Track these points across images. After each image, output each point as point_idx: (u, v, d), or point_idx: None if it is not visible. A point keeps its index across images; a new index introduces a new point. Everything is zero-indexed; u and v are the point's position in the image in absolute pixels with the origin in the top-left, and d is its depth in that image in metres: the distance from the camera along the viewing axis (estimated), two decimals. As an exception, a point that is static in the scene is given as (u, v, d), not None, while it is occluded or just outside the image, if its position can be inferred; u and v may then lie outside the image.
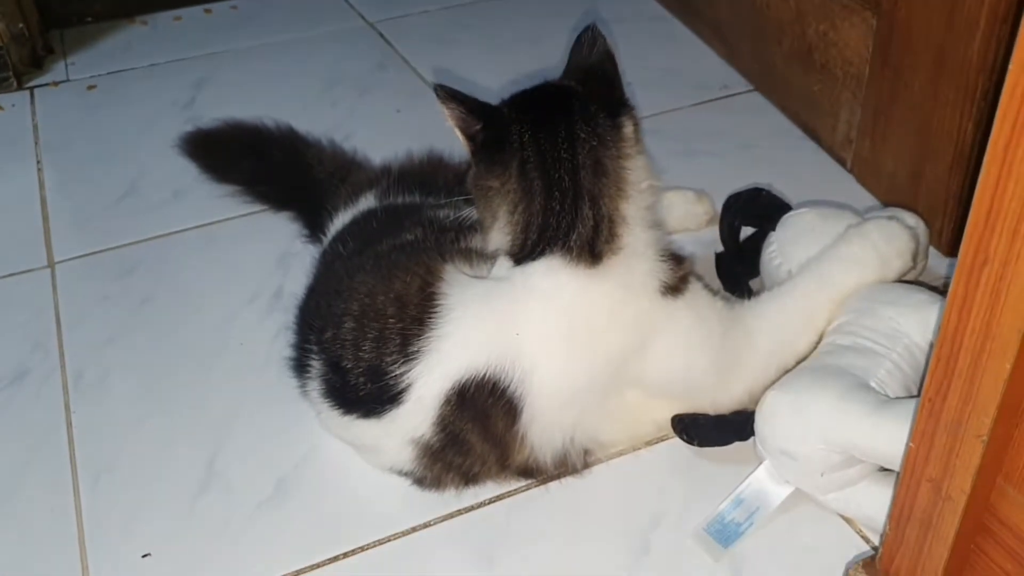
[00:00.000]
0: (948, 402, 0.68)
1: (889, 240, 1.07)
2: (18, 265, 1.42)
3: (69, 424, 1.16)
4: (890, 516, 0.78)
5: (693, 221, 1.40)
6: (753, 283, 1.24)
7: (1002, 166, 0.59)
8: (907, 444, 0.74)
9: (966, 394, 0.66)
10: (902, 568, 0.78)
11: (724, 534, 0.96)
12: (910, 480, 0.74)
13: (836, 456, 0.92)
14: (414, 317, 0.96)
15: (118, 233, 1.47)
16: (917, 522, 0.75)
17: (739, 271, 1.24)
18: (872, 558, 0.82)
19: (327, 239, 1.24)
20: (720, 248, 1.29)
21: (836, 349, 1.01)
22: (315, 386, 1.05)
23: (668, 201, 1.38)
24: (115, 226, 1.49)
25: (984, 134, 0.59)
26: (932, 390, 0.69)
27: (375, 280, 1.01)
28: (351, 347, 0.99)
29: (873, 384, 0.94)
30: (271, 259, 1.39)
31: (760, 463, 0.99)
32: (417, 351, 0.95)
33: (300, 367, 1.10)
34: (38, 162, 1.64)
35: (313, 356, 1.05)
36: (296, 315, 1.17)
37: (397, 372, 0.95)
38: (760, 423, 0.97)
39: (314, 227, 1.35)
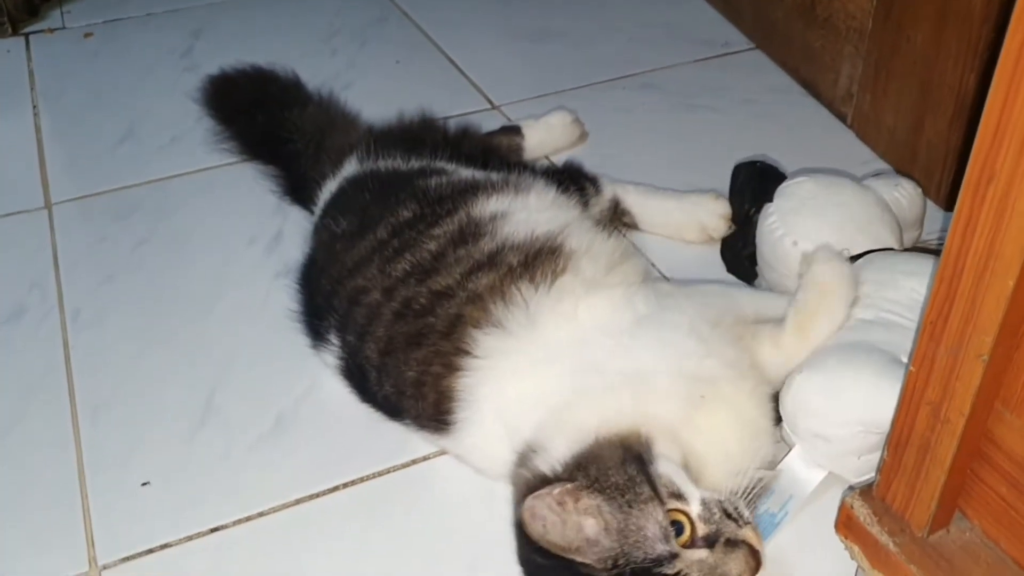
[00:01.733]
0: (950, 324, 0.69)
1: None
2: (14, 206, 1.42)
3: (67, 360, 1.16)
4: (888, 442, 0.79)
5: (567, 139, 1.44)
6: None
7: (1011, 81, 0.59)
8: (906, 368, 0.74)
9: (967, 314, 0.67)
10: (899, 494, 0.79)
11: (760, 527, 0.90)
12: (909, 404, 0.75)
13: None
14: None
15: (116, 177, 1.46)
16: (915, 447, 0.76)
17: (739, 247, 1.23)
18: (869, 487, 0.83)
19: (318, 210, 1.23)
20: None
21: (860, 324, 0.98)
22: (332, 361, 1.07)
23: (548, 124, 1.42)
24: (113, 170, 1.48)
25: (987, 86, 0.59)
26: (934, 313, 0.70)
27: (385, 295, 1.02)
28: (373, 358, 1.00)
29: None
30: (270, 203, 1.39)
31: (789, 449, 0.96)
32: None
33: (315, 334, 1.10)
34: (34, 107, 1.63)
35: (332, 337, 1.06)
36: (300, 281, 1.17)
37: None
38: (789, 406, 0.94)
39: (295, 191, 1.35)
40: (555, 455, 0.86)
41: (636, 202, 1.30)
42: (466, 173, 1.16)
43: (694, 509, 0.82)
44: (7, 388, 1.13)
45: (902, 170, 1.39)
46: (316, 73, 1.60)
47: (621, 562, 0.78)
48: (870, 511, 0.81)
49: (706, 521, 0.82)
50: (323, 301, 1.08)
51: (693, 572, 0.78)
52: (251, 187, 1.42)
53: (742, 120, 1.54)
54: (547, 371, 0.93)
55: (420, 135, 1.27)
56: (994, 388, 0.70)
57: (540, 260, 1.00)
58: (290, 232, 1.33)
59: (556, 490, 0.80)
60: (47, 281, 1.28)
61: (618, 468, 0.83)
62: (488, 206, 1.08)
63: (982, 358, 0.67)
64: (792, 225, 1.10)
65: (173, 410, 1.09)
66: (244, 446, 1.05)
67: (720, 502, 0.83)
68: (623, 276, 1.04)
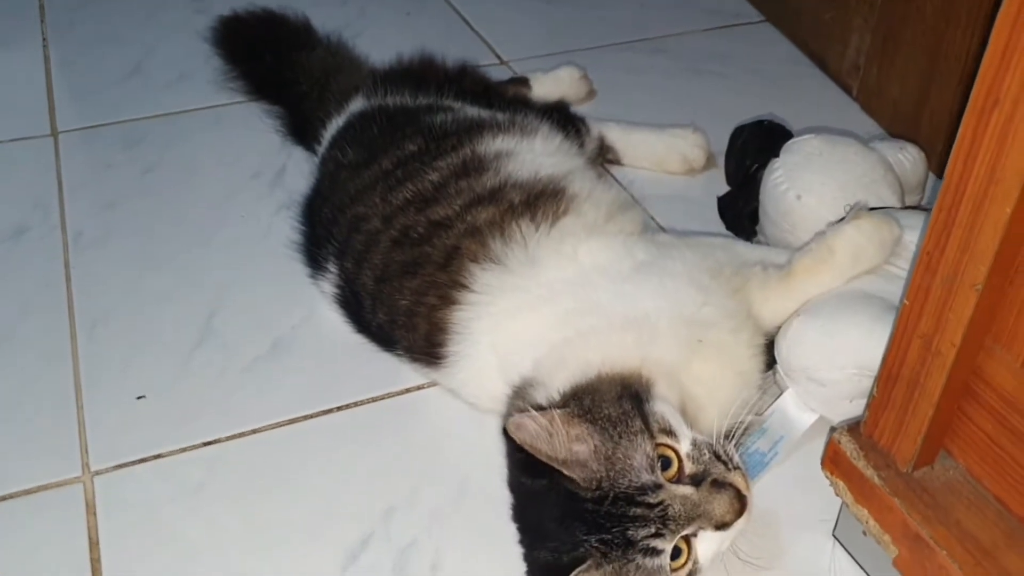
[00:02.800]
0: (946, 254, 0.70)
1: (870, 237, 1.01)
2: (21, 132, 1.42)
3: (68, 278, 1.17)
4: (877, 379, 0.80)
5: (575, 94, 1.45)
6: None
7: (1021, 5, 0.60)
8: (901, 302, 0.75)
9: (964, 243, 0.68)
10: (886, 430, 0.80)
11: (750, 465, 0.94)
12: (901, 338, 0.76)
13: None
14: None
15: (123, 109, 1.47)
16: (905, 382, 0.77)
17: (740, 205, 1.24)
18: (857, 424, 0.84)
19: (324, 144, 1.24)
20: (720, 190, 1.29)
21: (860, 275, 1.00)
22: (330, 289, 1.08)
23: (557, 77, 1.43)
24: (120, 103, 1.48)
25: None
26: (931, 244, 0.71)
27: (384, 222, 1.02)
28: (368, 285, 1.01)
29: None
30: (275, 141, 1.39)
31: (782, 392, 0.98)
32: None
33: (313, 263, 1.11)
34: (44, 40, 1.63)
35: (331, 265, 1.07)
36: (303, 210, 1.18)
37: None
38: (785, 350, 0.96)
39: (299, 132, 1.36)
40: (553, 388, 0.87)
41: (619, 137, 1.33)
42: (472, 112, 1.17)
43: (683, 447, 0.83)
44: (7, 300, 1.13)
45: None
46: (327, 21, 1.59)
47: (605, 486, 0.79)
48: (857, 447, 0.82)
49: (694, 460, 0.83)
50: (324, 229, 1.09)
51: (676, 505, 0.79)
52: (257, 125, 1.42)
53: (748, 88, 1.55)
54: (548, 309, 0.94)
55: (423, 73, 1.28)
56: (986, 321, 0.71)
57: (542, 200, 1.01)
58: (293, 169, 1.33)
59: (549, 413, 0.81)
60: (50, 203, 1.28)
61: (613, 402, 0.84)
62: (494, 144, 1.09)
63: (976, 288, 0.68)
64: (797, 180, 1.11)
65: (171, 330, 1.10)
66: (240, 367, 1.06)
67: (711, 445, 0.84)
68: (623, 225, 1.05)
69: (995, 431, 0.75)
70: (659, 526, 0.78)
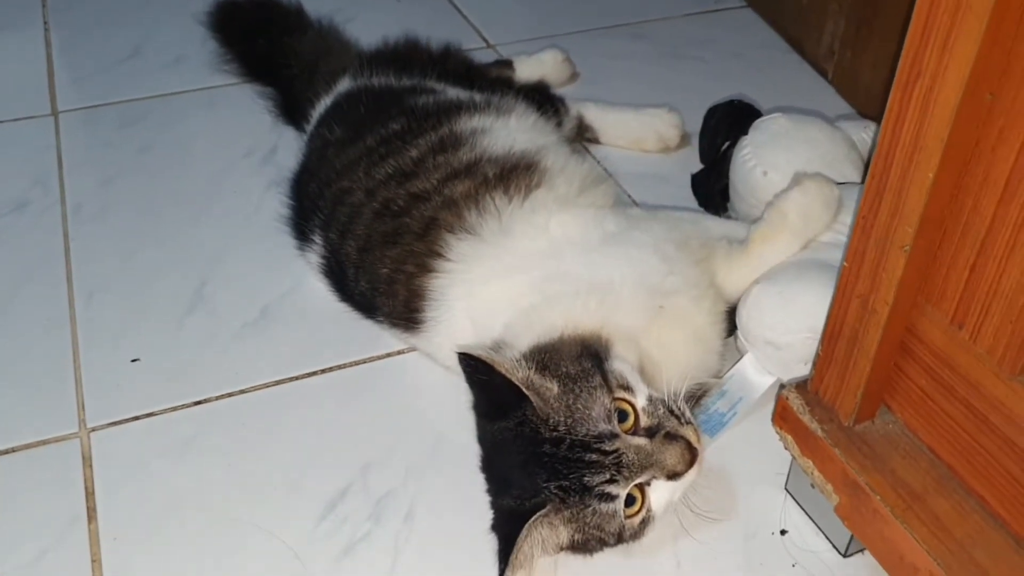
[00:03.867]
0: (879, 218, 0.75)
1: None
2: (22, 112, 1.47)
3: (67, 249, 1.22)
4: (823, 337, 0.85)
5: (558, 77, 1.50)
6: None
7: (938, -16, 0.65)
8: (840, 264, 0.80)
9: (894, 207, 0.73)
10: (829, 386, 0.86)
11: (709, 424, 1.00)
12: (841, 298, 0.81)
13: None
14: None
15: (121, 90, 1.52)
16: (845, 339, 0.82)
17: (712, 182, 1.29)
18: (804, 381, 0.89)
19: (312, 122, 1.29)
20: (693, 169, 1.34)
21: (818, 245, 1.05)
22: (315, 260, 1.13)
23: (540, 60, 1.48)
24: (118, 84, 1.54)
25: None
26: (865, 208, 0.76)
27: (367, 195, 1.08)
28: (352, 255, 1.07)
29: None
30: (267, 122, 1.44)
31: (742, 356, 1.03)
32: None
33: (301, 235, 1.17)
34: (45, 23, 1.69)
35: (317, 236, 1.12)
36: (291, 185, 1.23)
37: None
38: (745, 315, 1.01)
39: (289, 113, 1.41)
40: (518, 349, 0.92)
41: (596, 116, 1.39)
42: (453, 93, 1.22)
43: (639, 402, 0.88)
44: (7, 270, 1.19)
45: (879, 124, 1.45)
46: (319, 6, 1.65)
47: (562, 430, 0.84)
48: (803, 402, 0.88)
49: (649, 415, 0.88)
50: (310, 203, 1.14)
51: (630, 454, 0.84)
52: (250, 106, 1.47)
53: (727, 72, 1.60)
54: (518, 277, 0.99)
55: (408, 55, 1.33)
56: (917, 281, 0.76)
57: (516, 174, 1.06)
58: (284, 148, 1.39)
59: (512, 359, 0.87)
60: (50, 179, 1.34)
61: (574, 360, 0.89)
62: (470, 122, 1.14)
63: (905, 249, 0.73)
64: (764, 157, 1.16)
65: (164, 297, 1.16)
66: (230, 332, 1.11)
67: (665, 401, 0.89)
68: (595, 198, 1.10)
69: (928, 385, 0.80)
70: (613, 472, 0.83)
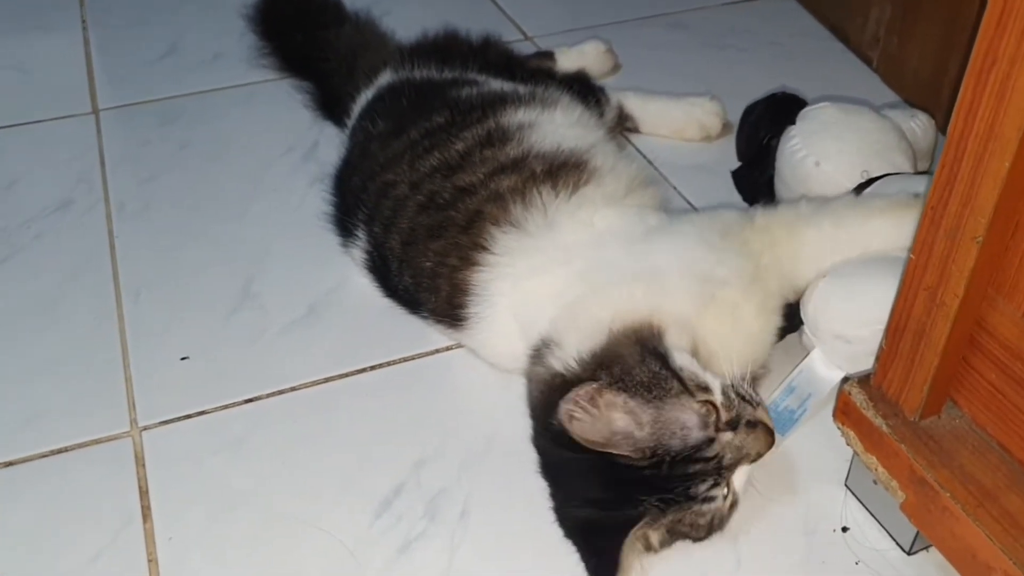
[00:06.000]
0: (949, 208, 0.73)
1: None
2: (64, 111, 1.48)
3: (112, 247, 1.22)
4: (887, 331, 0.83)
5: (600, 68, 1.48)
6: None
7: (1017, -32, 0.63)
8: (907, 256, 0.79)
9: (966, 197, 0.71)
10: (894, 380, 0.84)
11: (780, 422, 0.97)
12: (908, 291, 0.79)
13: None
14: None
15: (160, 88, 1.52)
16: (911, 333, 0.80)
17: (756, 175, 1.27)
18: (867, 376, 0.87)
19: (353, 116, 1.28)
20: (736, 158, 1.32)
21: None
22: (359, 255, 1.12)
23: (582, 51, 1.47)
24: (157, 81, 1.54)
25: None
26: (935, 199, 0.74)
27: (411, 188, 1.07)
28: (395, 249, 1.06)
29: None
30: (307, 117, 1.44)
31: (808, 352, 1.01)
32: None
33: (344, 230, 1.16)
34: (83, 22, 1.69)
35: (360, 231, 1.11)
36: (334, 180, 1.23)
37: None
38: (812, 309, 0.99)
39: (328, 107, 1.41)
40: (568, 351, 0.90)
41: (637, 106, 1.37)
42: (496, 84, 1.21)
43: (717, 398, 0.86)
44: (55, 269, 1.19)
45: (924, 110, 1.42)
46: (355, 0, 1.64)
47: (660, 452, 0.82)
48: (866, 397, 0.86)
49: (727, 408, 0.86)
50: (353, 197, 1.14)
51: (727, 453, 0.83)
52: (290, 102, 1.47)
53: (768, 61, 1.58)
54: (562, 270, 0.98)
55: (448, 46, 1.31)
56: (988, 273, 0.74)
57: (564, 171, 1.05)
58: (325, 144, 1.38)
59: (582, 390, 0.83)
60: (93, 177, 1.34)
61: (639, 365, 0.86)
62: (516, 116, 1.12)
63: (977, 240, 0.72)
64: (814, 146, 1.14)
65: (211, 295, 1.15)
66: (278, 329, 1.11)
67: (733, 387, 0.87)
68: (642, 199, 1.08)
69: (998, 380, 0.78)
70: (716, 477, 0.82)
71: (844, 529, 0.92)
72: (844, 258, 1.00)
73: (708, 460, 0.82)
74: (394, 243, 1.06)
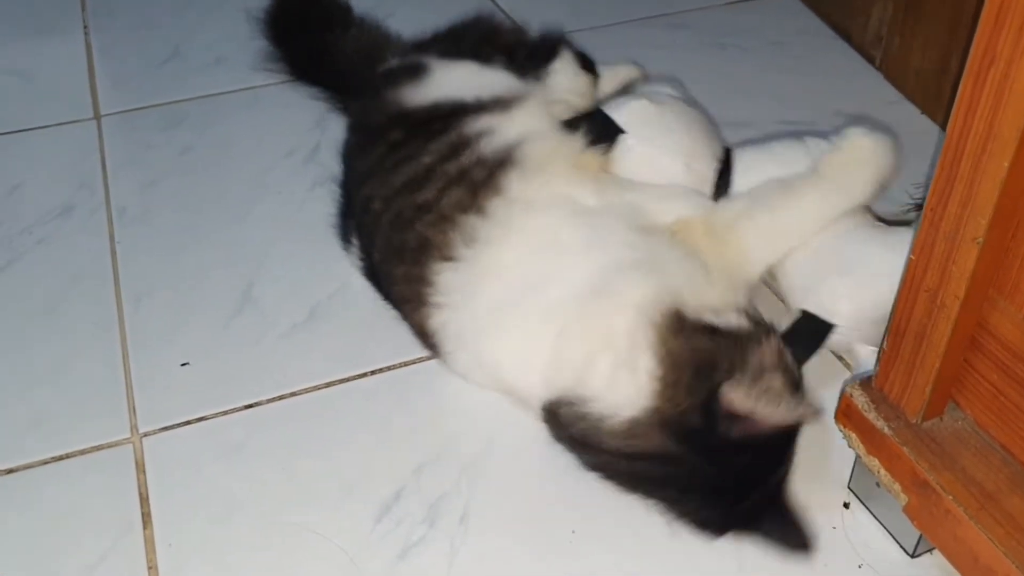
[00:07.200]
0: (948, 210, 0.72)
1: None
2: (65, 116, 1.48)
3: (113, 252, 1.22)
4: (887, 333, 0.83)
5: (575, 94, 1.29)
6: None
7: (1014, -34, 0.62)
8: (907, 257, 0.78)
9: (965, 198, 0.71)
10: (896, 383, 0.83)
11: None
12: (908, 293, 0.79)
13: None
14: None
15: (162, 92, 1.52)
16: (912, 334, 0.80)
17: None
18: (869, 378, 0.87)
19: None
20: None
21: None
22: (356, 260, 1.13)
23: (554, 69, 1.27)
24: (159, 86, 1.53)
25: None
26: (934, 200, 0.74)
27: (384, 204, 1.04)
28: (378, 267, 1.06)
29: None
30: (309, 119, 1.44)
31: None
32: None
33: (346, 238, 1.16)
34: (85, 27, 1.69)
35: (353, 238, 1.11)
36: (339, 183, 1.23)
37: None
38: (831, 307, 0.98)
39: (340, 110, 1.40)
40: (619, 392, 0.85)
41: None
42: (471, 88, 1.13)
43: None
44: (56, 274, 1.19)
45: (927, 110, 1.42)
46: (359, 2, 1.64)
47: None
48: (868, 399, 0.85)
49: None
50: (346, 205, 1.13)
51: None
52: (291, 105, 1.47)
53: (770, 60, 1.57)
54: (535, 318, 0.92)
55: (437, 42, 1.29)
56: (989, 274, 0.74)
57: (489, 180, 0.98)
58: (327, 147, 1.38)
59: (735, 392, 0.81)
60: (95, 182, 1.34)
61: (712, 350, 0.84)
62: (479, 122, 1.06)
63: (977, 241, 0.71)
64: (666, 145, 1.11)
65: (212, 300, 1.15)
66: (279, 333, 1.11)
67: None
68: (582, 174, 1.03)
69: (1000, 381, 0.78)
70: None
71: (846, 505, 0.92)
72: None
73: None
74: (375, 259, 1.06)
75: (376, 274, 1.10)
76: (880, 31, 1.51)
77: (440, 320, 0.97)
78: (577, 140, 1.07)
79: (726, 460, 0.83)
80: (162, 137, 1.43)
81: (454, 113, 1.08)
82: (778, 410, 0.81)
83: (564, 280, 0.92)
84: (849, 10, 1.58)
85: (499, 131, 1.05)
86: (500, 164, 1.00)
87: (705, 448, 0.83)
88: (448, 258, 0.96)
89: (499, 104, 1.10)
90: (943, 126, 1.24)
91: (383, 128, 1.12)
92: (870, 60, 1.55)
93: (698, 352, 0.85)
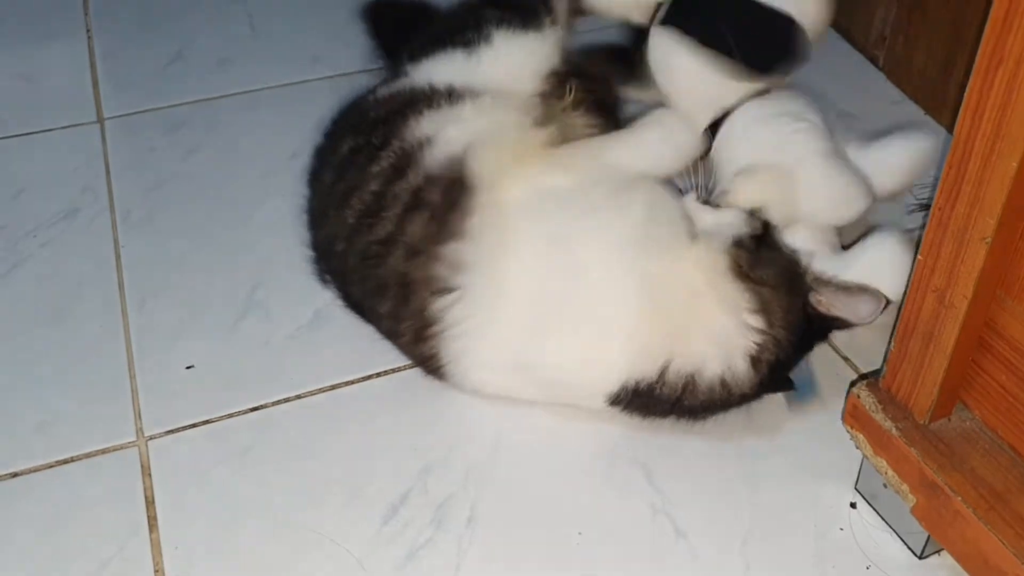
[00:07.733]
0: (956, 209, 0.72)
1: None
2: (68, 119, 1.48)
3: (117, 256, 1.22)
4: (895, 333, 0.83)
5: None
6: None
7: (1022, -34, 0.62)
8: (915, 258, 0.78)
9: (974, 198, 0.70)
10: (903, 383, 0.83)
11: None
12: (916, 293, 0.79)
13: None
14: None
15: (165, 95, 1.52)
16: (920, 335, 0.80)
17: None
18: (876, 379, 0.87)
19: None
20: None
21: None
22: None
23: None
24: (162, 89, 1.53)
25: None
26: (942, 199, 0.73)
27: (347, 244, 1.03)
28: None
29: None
30: (312, 122, 1.43)
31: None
32: None
33: (322, 277, 1.16)
34: (88, 31, 1.69)
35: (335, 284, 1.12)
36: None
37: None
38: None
39: None
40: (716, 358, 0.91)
41: None
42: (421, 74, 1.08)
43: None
44: (61, 278, 1.19)
45: (931, 110, 1.42)
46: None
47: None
48: (875, 400, 0.85)
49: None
50: (314, 242, 1.15)
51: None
52: (294, 108, 1.47)
53: (774, 61, 1.56)
54: (592, 322, 0.92)
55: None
56: (997, 274, 0.74)
57: (450, 204, 0.94)
58: (331, 149, 1.38)
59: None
60: (99, 185, 1.34)
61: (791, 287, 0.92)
62: (420, 128, 1.00)
63: (986, 241, 0.71)
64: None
65: (216, 303, 1.15)
66: (284, 336, 1.11)
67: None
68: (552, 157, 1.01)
69: (1008, 381, 0.78)
70: None
71: (852, 505, 0.92)
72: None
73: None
74: (356, 295, 1.06)
75: (359, 308, 1.08)
76: (883, 31, 1.51)
77: (457, 349, 0.96)
78: (523, 127, 1.02)
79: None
80: (166, 140, 1.43)
81: (399, 112, 1.03)
82: (861, 303, 0.91)
83: (599, 267, 0.92)
84: (852, 10, 1.58)
85: (441, 139, 0.99)
86: (452, 183, 0.95)
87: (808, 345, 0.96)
88: (442, 291, 0.94)
89: (448, 97, 1.03)
90: (947, 127, 1.24)
91: (336, 138, 1.11)
92: (873, 60, 1.55)
93: (779, 272, 0.91)
